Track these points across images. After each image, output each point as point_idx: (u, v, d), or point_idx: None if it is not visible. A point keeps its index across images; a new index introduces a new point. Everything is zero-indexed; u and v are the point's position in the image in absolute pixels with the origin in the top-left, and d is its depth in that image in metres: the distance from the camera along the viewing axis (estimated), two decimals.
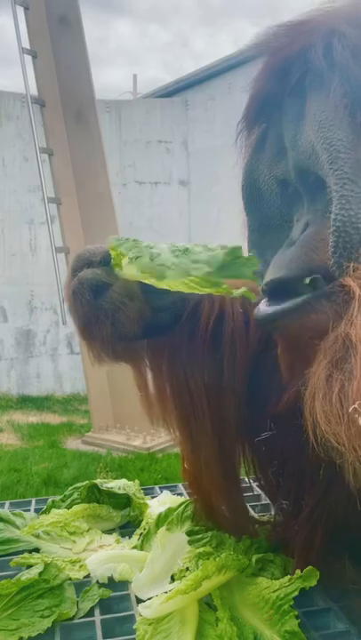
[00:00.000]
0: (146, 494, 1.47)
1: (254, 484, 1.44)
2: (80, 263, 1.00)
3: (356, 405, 0.60)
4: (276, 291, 0.82)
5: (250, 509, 1.36)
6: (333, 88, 0.78)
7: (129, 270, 0.92)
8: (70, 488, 1.45)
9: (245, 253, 0.93)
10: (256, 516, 1.32)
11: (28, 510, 1.44)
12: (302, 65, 0.81)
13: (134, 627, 0.92)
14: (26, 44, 5.63)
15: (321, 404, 0.64)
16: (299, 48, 0.82)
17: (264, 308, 0.83)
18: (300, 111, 0.83)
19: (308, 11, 0.87)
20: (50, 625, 0.95)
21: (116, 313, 0.95)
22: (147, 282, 0.90)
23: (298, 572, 0.92)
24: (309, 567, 0.92)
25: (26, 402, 7.77)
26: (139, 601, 1.03)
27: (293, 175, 0.86)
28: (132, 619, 0.97)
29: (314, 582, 0.91)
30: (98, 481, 1.43)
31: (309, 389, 0.67)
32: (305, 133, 0.82)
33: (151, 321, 1.00)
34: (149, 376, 1.08)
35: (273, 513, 1.24)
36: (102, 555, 1.16)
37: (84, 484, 1.42)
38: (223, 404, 1.07)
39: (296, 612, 0.88)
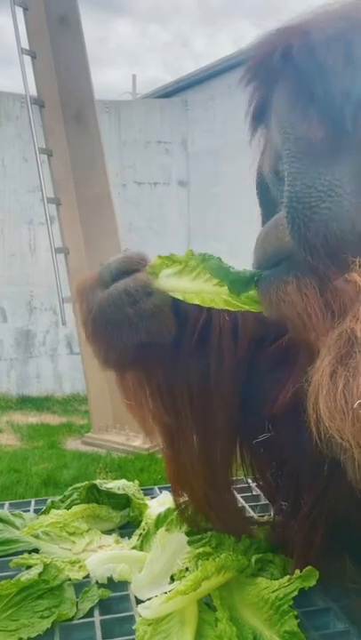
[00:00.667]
0: (145, 495, 1.47)
1: (253, 485, 1.45)
2: (114, 270, 1.03)
3: None
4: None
5: (249, 510, 1.36)
6: (287, 83, 0.82)
7: (167, 282, 0.94)
8: (70, 488, 1.45)
9: None
10: (256, 516, 1.32)
11: (28, 511, 1.44)
12: (280, 79, 0.84)
13: (134, 627, 0.92)
14: (25, 45, 5.63)
15: (325, 399, 0.64)
16: (265, 56, 0.84)
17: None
18: (281, 109, 0.86)
19: (315, 10, 0.88)
20: (49, 626, 0.95)
21: (152, 321, 0.96)
22: (180, 297, 0.92)
23: (297, 572, 0.92)
24: (309, 567, 0.92)
25: (25, 402, 7.77)
26: (138, 601, 1.03)
27: (280, 167, 0.89)
28: (131, 619, 0.97)
29: (313, 582, 0.91)
30: (97, 481, 1.43)
31: (313, 385, 0.67)
32: (278, 126, 0.86)
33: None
34: (134, 381, 1.07)
35: (272, 513, 1.24)
36: (102, 555, 1.16)
37: (83, 484, 1.42)
38: (210, 409, 1.07)
39: (295, 612, 0.88)
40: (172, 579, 1.07)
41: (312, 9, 0.87)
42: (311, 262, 0.77)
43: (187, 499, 1.18)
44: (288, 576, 0.93)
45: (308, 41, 0.79)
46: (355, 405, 0.61)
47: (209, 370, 1.05)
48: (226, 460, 1.13)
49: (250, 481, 1.38)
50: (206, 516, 1.17)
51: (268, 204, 0.97)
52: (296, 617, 0.88)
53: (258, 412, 1.04)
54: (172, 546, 1.11)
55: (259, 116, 0.92)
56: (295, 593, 0.90)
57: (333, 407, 0.63)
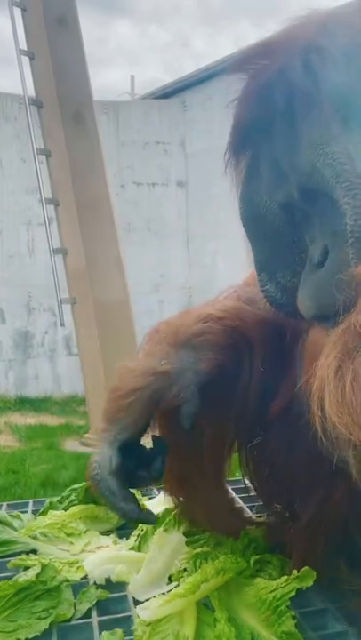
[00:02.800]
0: (143, 495, 1.47)
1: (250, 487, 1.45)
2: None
3: None
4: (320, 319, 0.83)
5: (247, 510, 1.36)
6: (323, 104, 0.78)
7: None
8: (68, 489, 1.45)
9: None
10: (253, 516, 1.32)
11: (26, 512, 1.44)
12: (285, 88, 0.80)
13: (133, 627, 0.92)
14: (23, 46, 5.63)
15: (332, 395, 0.62)
16: (278, 70, 0.81)
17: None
18: (293, 133, 0.82)
19: (285, 26, 0.85)
20: (47, 627, 0.95)
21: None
22: None
23: (294, 572, 0.92)
24: (306, 567, 0.92)
25: (24, 403, 7.76)
26: (136, 602, 1.03)
27: (298, 198, 0.85)
28: (129, 620, 0.97)
29: (310, 582, 0.91)
30: None
31: (318, 382, 0.65)
32: (303, 155, 0.81)
33: None
34: None
35: (268, 515, 1.25)
36: (100, 556, 1.16)
37: (81, 485, 1.42)
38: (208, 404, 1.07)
39: (293, 613, 0.88)
40: (171, 579, 1.07)
41: (314, 10, 0.85)
42: None
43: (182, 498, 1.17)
44: (285, 576, 0.93)
45: (328, 55, 0.76)
46: None
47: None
48: (217, 461, 1.13)
49: (249, 481, 1.38)
50: (196, 517, 1.17)
51: (262, 236, 0.93)
52: (293, 617, 0.87)
53: (254, 414, 1.04)
54: (170, 546, 1.11)
55: (247, 139, 0.87)
56: (293, 593, 0.90)
57: (341, 402, 0.61)
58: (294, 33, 0.83)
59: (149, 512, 1.05)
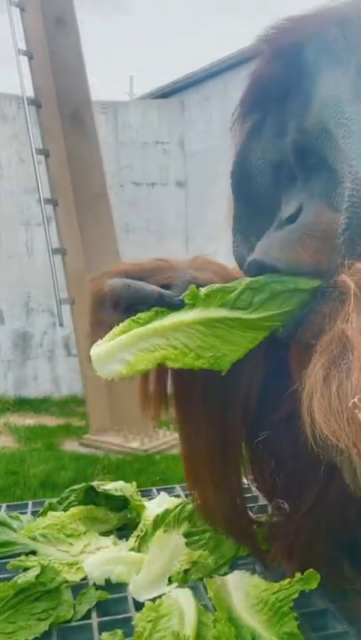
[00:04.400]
0: (143, 496, 1.47)
1: (252, 485, 1.44)
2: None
3: (355, 400, 0.60)
4: (261, 271, 0.80)
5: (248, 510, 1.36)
6: (351, 65, 0.77)
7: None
8: (67, 490, 1.45)
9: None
10: (254, 516, 1.32)
11: (25, 513, 1.44)
12: (317, 45, 0.80)
13: (133, 623, 0.92)
14: (22, 46, 5.63)
15: (319, 402, 0.63)
16: (312, 30, 0.81)
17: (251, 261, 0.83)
18: (311, 92, 0.82)
19: (305, 12, 0.87)
20: (47, 628, 0.95)
21: None
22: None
23: (298, 574, 0.92)
24: (310, 570, 0.92)
25: (23, 404, 7.75)
26: (136, 603, 1.02)
27: (292, 157, 0.86)
28: (129, 621, 0.96)
29: (314, 585, 0.91)
30: (95, 483, 1.43)
31: (307, 389, 0.66)
32: (315, 113, 0.81)
33: None
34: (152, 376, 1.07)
35: (270, 513, 1.24)
36: (99, 557, 1.15)
37: (81, 486, 1.42)
38: (225, 403, 1.07)
39: (295, 614, 0.88)
40: (170, 580, 1.07)
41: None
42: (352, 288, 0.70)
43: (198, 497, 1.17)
44: (289, 578, 0.93)
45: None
46: (349, 404, 0.60)
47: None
48: (236, 459, 1.13)
49: (248, 481, 1.38)
50: (212, 517, 1.17)
51: (247, 197, 0.94)
52: (296, 619, 0.87)
53: (262, 410, 1.04)
54: (170, 547, 1.11)
55: (258, 100, 0.88)
56: (296, 595, 0.89)
57: (328, 409, 0.62)
58: (324, 13, 0.84)
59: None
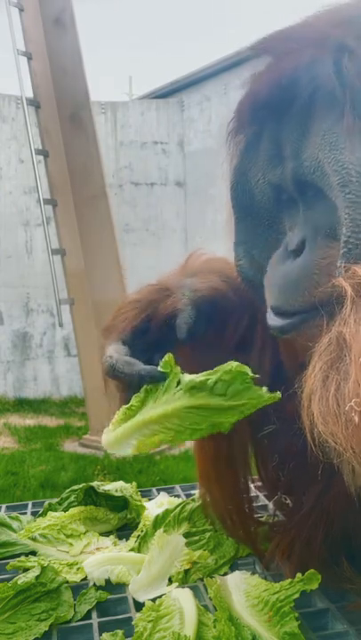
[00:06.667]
0: (143, 496, 1.47)
1: (252, 485, 1.44)
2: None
3: (352, 403, 0.60)
4: (281, 310, 0.85)
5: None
6: (346, 111, 0.78)
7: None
8: (67, 491, 1.45)
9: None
10: (254, 516, 1.32)
11: (25, 513, 1.44)
12: (312, 79, 0.80)
13: (133, 622, 0.92)
14: (21, 46, 5.62)
15: (318, 405, 0.64)
16: (308, 60, 0.80)
17: (272, 319, 0.87)
18: (306, 125, 0.82)
19: (311, 14, 0.86)
20: (47, 628, 0.95)
21: None
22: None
23: (298, 575, 0.92)
24: (311, 570, 0.92)
25: (22, 404, 7.75)
26: (136, 603, 1.02)
27: (291, 185, 0.86)
28: (129, 621, 0.96)
29: (315, 585, 0.91)
30: (95, 483, 1.42)
31: (306, 392, 0.67)
32: (311, 149, 0.82)
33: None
34: None
35: (271, 512, 1.24)
36: (99, 557, 1.15)
37: (80, 486, 1.42)
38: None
39: (296, 614, 0.88)
40: (171, 580, 1.07)
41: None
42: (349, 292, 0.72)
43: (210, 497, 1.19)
44: (290, 579, 0.93)
45: (359, 60, 0.76)
46: (346, 407, 0.61)
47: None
48: (245, 460, 1.15)
49: (248, 481, 1.38)
50: (220, 517, 1.18)
51: (248, 211, 0.95)
52: (297, 619, 0.87)
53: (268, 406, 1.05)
54: (169, 547, 1.11)
55: (256, 114, 0.88)
56: (297, 595, 0.89)
57: (326, 412, 0.63)
58: (325, 24, 0.83)
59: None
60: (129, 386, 0.96)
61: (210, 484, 1.19)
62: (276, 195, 0.90)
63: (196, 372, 0.87)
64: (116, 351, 0.99)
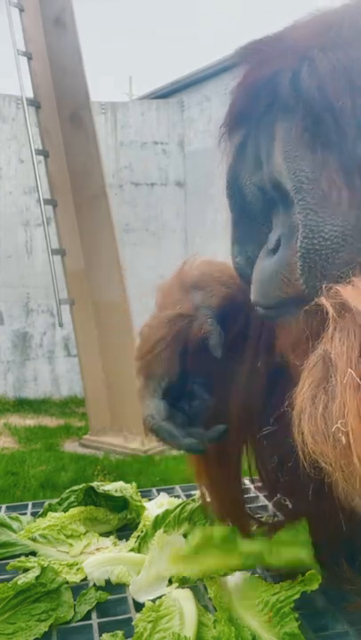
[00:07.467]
0: (143, 497, 1.47)
1: (252, 485, 1.44)
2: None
3: (338, 425, 0.61)
4: (260, 304, 0.91)
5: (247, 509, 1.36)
6: (297, 121, 0.82)
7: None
8: (67, 491, 1.45)
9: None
10: (253, 516, 1.32)
11: (25, 514, 1.44)
12: (271, 91, 0.84)
13: (133, 623, 0.92)
14: (21, 46, 5.63)
15: (308, 423, 0.65)
16: (270, 72, 0.84)
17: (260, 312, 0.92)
18: (271, 133, 0.86)
19: (294, 21, 0.88)
20: (47, 629, 0.95)
21: None
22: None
23: (299, 575, 0.92)
24: (311, 571, 0.92)
25: (23, 405, 7.75)
26: (136, 604, 1.02)
27: (269, 187, 0.90)
28: (129, 622, 0.96)
29: (316, 586, 0.91)
30: (95, 484, 1.42)
31: (297, 409, 0.67)
32: (275, 156, 0.86)
33: None
34: None
35: (270, 512, 1.24)
36: (99, 558, 1.15)
37: (80, 486, 1.42)
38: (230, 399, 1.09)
39: (296, 615, 0.88)
40: (171, 581, 1.07)
41: (304, 16, 0.86)
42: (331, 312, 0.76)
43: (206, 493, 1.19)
44: (290, 580, 0.93)
45: (317, 72, 0.79)
46: (333, 429, 0.61)
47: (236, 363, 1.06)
48: (237, 454, 1.15)
49: (249, 481, 1.38)
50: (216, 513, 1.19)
51: (241, 209, 0.98)
52: (297, 619, 0.87)
53: (265, 406, 1.05)
54: (170, 548, 1.11)
55: (241, 118, 0.91)
56: (297, 596, 0.89)
57: (316, 431, 0.63)
58: (298, 33, 0.85)
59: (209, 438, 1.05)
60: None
61: (202, 482, 1.20)
62: (262, 195, 0.94)
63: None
64: (157, 411, 1.02)
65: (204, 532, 0.98)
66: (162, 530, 1.17)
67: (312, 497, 1.01)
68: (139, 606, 1.00)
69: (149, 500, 1.48)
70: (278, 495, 1.15)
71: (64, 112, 5.66)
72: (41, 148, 5.76)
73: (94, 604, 1.03)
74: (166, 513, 1.23)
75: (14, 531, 1.30)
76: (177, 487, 1.59)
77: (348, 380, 0.61)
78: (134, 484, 1.48)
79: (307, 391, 0.66)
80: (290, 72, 0.81)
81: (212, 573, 1.01)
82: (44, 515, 1.37)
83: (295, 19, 0.88)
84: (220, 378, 1.08)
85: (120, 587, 1.08)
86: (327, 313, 0.70)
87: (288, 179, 0.83)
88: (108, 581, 1.09)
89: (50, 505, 1.42)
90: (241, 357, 1.06)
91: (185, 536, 1.15)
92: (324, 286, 0.74)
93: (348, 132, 0.78)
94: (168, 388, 1.03)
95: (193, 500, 1.26)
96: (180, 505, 1.24)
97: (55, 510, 1.38)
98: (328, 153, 0.79)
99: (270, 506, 1.29)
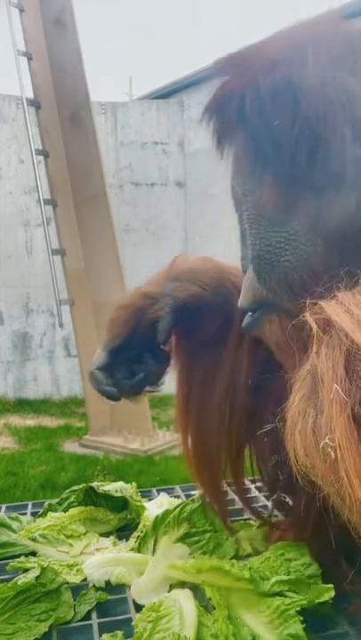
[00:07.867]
0: (143, 497, 1.47)
1: (252, 486, 1.44)
2: None
3: (327, 440, 0.61)
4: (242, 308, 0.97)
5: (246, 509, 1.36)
6: (238, 144, 0.89)
7: None
8: (67, 491, 1.45)
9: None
10: (253, 516, 1.32)
11: (25, 514, 1.44)
12: (226, 111, 0.88)
13: (133, 623, 0.92)
14: (21, 46, 5.63)
15: (299, 437, 0.65)
16: (227, 92, 0.88)
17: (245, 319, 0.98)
18: (241, 154, 0.91)
19: (268, 36, 0.90)
20: (47, 629, 0.95)
21: None
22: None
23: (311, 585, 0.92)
24: (327, 585, 0.92)
25: (23, 405, 7.75)
26: (136, 604, 1.02)
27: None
28: (129, 622, 0.96)
29: (326, 598, 0.90)
30: (95, 484, 1.42)
31: (289, 422, 0.68)
32: (232, 170, 0.93)
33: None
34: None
35: (270, 511, 1.24)
36: (99, 558, 1.15)
37: (80, 486, 1.41)
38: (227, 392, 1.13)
39: (300, 617, 0.87)
40: (172, 585, 1.07)
41: (273, 33, 0.89)
42: (282, 305, 0.87)
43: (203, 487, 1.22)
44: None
45: (259, 95, 0.82)
46: (321, 444, 0.61)
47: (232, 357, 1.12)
48: (239, 448, 1.18)
49: (248, 481, 1.38)
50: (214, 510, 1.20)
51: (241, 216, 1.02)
52: (302, 622, 0.86)
53: (265, 403, 1.05)
54: (174, 553, 1.11)
55: (225, 140, 0.94)
56: (304, 602, 0.89)
57: (306, 445, 0.64)
58: (258, 52, 0.88)
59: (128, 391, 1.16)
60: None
61: (199, 480, 1.23)
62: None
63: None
64: (97, 359, 1.13)
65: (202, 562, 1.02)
66: (167, 537, 1.17)
67: (313, 495, 1.01)
68: (139, 606, 1.00)
69: (149, 500, 1.48)
70: (278, 493, 1.15)
71: (64, 112, 5.66)
72: (41, 148, 5.76)
73: (94, 604, 1.03)
74: (166, 513, 1.23)
75: (14, 531, 1.30)
76: (177, 487, 1.59)
77: (335, 396, 0.62)
78: (134, 484, 1.48)
79: (298, 404, 0.66)
80: (237, 98, 0.85)
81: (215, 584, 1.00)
82: (43, 515, 1.37)
83: (275, 30, 0.90)
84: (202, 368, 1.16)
85: (120, 587, 1.08)
86: (311, 329, 0.71)
87: (237, 192, 0.91)
88: (107, 582, 1.09)
89: (50, 505, 1.42)
90: (220, 355, 1.14)
91: (185, 536, 1.16)
92: (307, 302, 0.75)
93: (285, 149, 0.82)
94: (119, 348, 1.13)
95: (193, 501, 1.26)
96: (179, 505, 1.24)
97: (55, 510, 1.38)
98: (265, 170, 0.86)
99: (270, 504, 1.29)
